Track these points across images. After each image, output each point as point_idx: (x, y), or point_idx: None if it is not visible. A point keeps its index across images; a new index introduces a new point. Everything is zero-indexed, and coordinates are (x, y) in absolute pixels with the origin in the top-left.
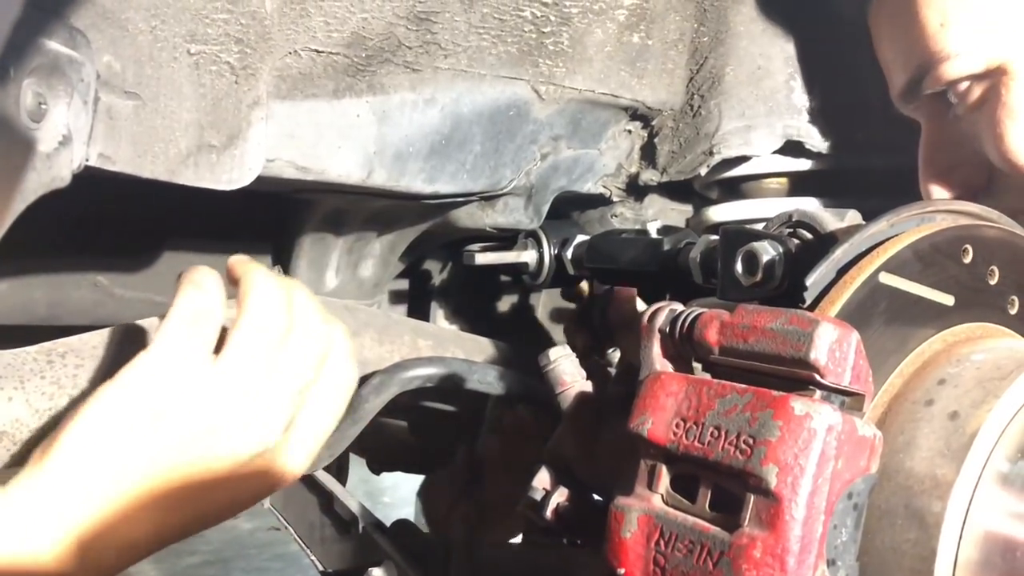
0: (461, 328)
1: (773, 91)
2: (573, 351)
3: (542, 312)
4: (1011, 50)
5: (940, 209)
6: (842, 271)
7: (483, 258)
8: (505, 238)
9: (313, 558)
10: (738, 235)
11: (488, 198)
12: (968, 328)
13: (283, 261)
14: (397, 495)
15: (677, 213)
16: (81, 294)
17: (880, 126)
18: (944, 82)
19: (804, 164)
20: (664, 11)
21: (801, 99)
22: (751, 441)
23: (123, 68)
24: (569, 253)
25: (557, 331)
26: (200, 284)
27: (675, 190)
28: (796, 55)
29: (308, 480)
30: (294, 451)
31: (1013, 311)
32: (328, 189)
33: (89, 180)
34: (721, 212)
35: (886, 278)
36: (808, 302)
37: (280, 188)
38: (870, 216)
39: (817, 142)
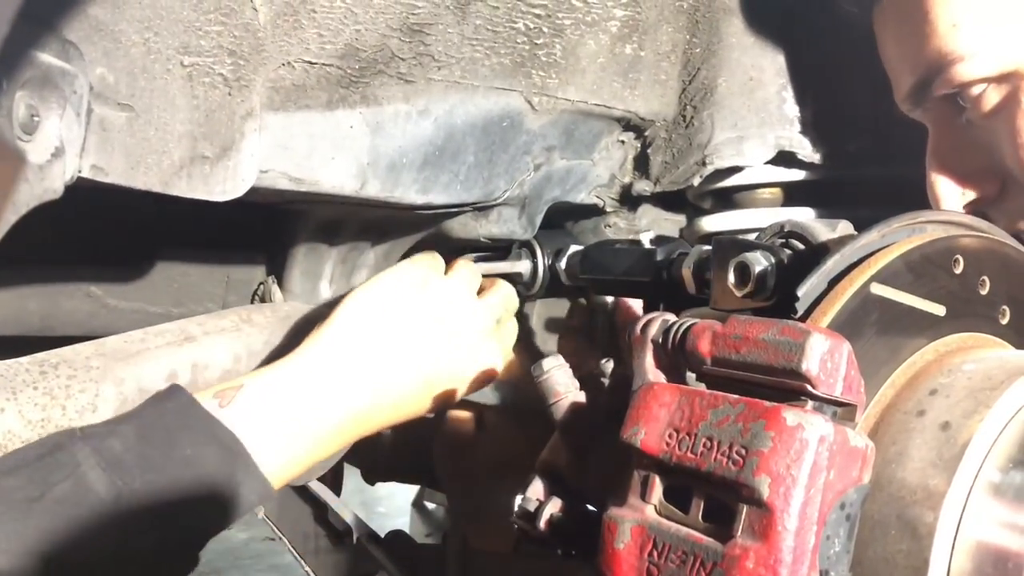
0: None
1: (765, 102)
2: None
3: (536, 321)
4: None
5: (931, 220)
6: (834, 282)
7: (477, 268)
8: (499, 248)
9: (308, 569)
10: (730, 245)
11: (482, 208)
12: (959, 338)
13: (277, 271)
14: (393, 505)
15: (671, 223)
16: (74, 305)
17: (872, 137)
18: (956, 84)
19: (797, 174)
20: (656, 22)
21: (793, 110)
22: (743, 452)
23: (116, 80)
24: (563, 263)
25: (551, 340)
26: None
27: (668, 200)
28: (788, 66)
29: (303, 491)
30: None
31: (1004, 321)
32: (322, 200)
33: (83, 191)
34: (714, 222)
35: (877, 289)
36: (800, 313)
37: (274, 199)
38: (862, 226)
39: (809, 152)
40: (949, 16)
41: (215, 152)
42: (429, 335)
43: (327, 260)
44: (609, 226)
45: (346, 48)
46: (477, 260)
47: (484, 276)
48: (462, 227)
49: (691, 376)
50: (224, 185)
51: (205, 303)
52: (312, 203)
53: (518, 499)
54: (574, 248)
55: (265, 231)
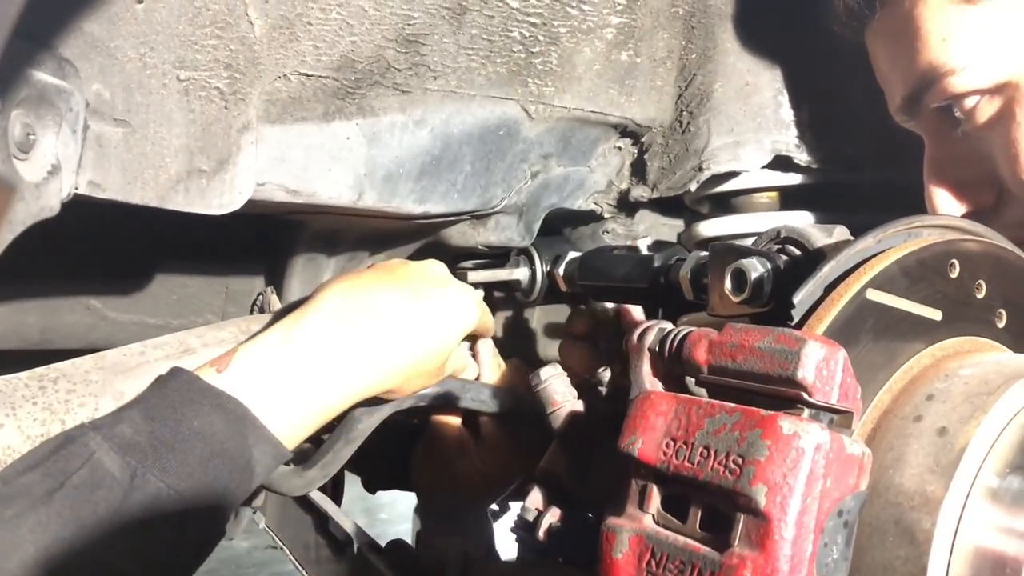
0: None
1: (761, 107)
2: (567, 370)
3: (536, 327)
4: (1021, 66)
5: (926, 224)
6: (829, 288)
7: (476, 276)
8: (497, 255)
9: None
10: (727, 252)
11: (479, 216)
12: (956, 342)
13: (276, 282)
14: (395, 512)
15: (668, 228)
16: (74, 318)
17: (869, 141)
18: (948, 95)
19: (793, 179)
20: (652, 29)
21: (789, 114)
22: (740, 461)
23: (112, 96)
24: (561, 270)
25: (552, 346)
26: None
27: (666, 205)
28: (783, 71)
29: (303, 500)
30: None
31: (1000, 324)
32: (319, 211)
33: (80, 205)
34: (712, 227)
35: (873, 294)
36: (796, 320)
37: (271, 211)
38: (859, 231)
39: (805, 157)
40: (939, 31)
41: (212, 166)
42: (407, 284)
43: (326, 270)
44: (607, 232)
45: (342, 60)
46: (476, 267)
47: (483, 284)
48: (460, 235)
49: (689, 382)
50: (221, 198)
51: (204, 314)
52: (310, 214)
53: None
54: (572, 255)
55: (264, 242)
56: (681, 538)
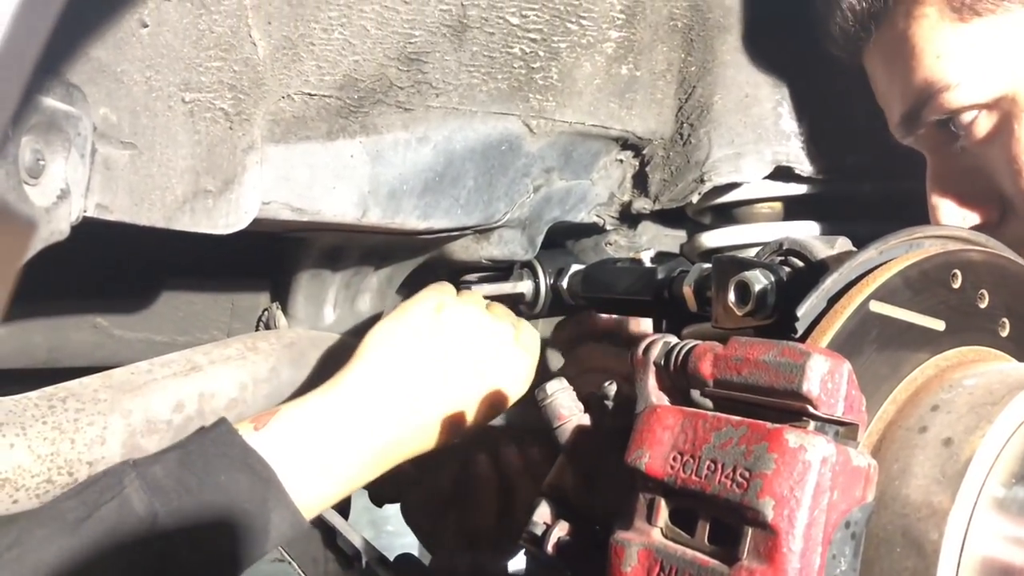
0: None
1: (761, 118)
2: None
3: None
4: (1017, 80)
5: (928, 235)
6: (833, 300)
7: (480, 290)
8: (501, 269)
9: None
10: (730, 264)
11: (483, 231)
12: (960, 352)
13: (281, 297)
14: (401, 523)
15: (671, 239)
16: (81, 336)
17: (869, 151)
18: (946, 110)
19: (795, 189)
20: (651, 42)
21: (789, 125)
22: (747, 474)
23: (119, 119)
24: (565, 283)
25: (557, 358)
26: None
27: (668, 217)
28: (783, 81)
29: None
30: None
31: (1004, 333)
32: (323, 228)
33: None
34: (714, 238)
35: (876, 306)
36: (800, 332)
37: (276, 229)
38: (861, 241)
39: (806, 167)
40: (933, 48)
41: (217, 186)
42: (453, 359)
43: (330, 285)
44: (610, 244)
45: (345, 79)
46: (480, 281)
47: (486, 297)
48: (464, 250)
49: (695, 394)
50: (227, 218)
51: (210, 331)
52: (314, 231)
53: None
54: (575, 267)
55: (268, 258)
56: (690, 551)
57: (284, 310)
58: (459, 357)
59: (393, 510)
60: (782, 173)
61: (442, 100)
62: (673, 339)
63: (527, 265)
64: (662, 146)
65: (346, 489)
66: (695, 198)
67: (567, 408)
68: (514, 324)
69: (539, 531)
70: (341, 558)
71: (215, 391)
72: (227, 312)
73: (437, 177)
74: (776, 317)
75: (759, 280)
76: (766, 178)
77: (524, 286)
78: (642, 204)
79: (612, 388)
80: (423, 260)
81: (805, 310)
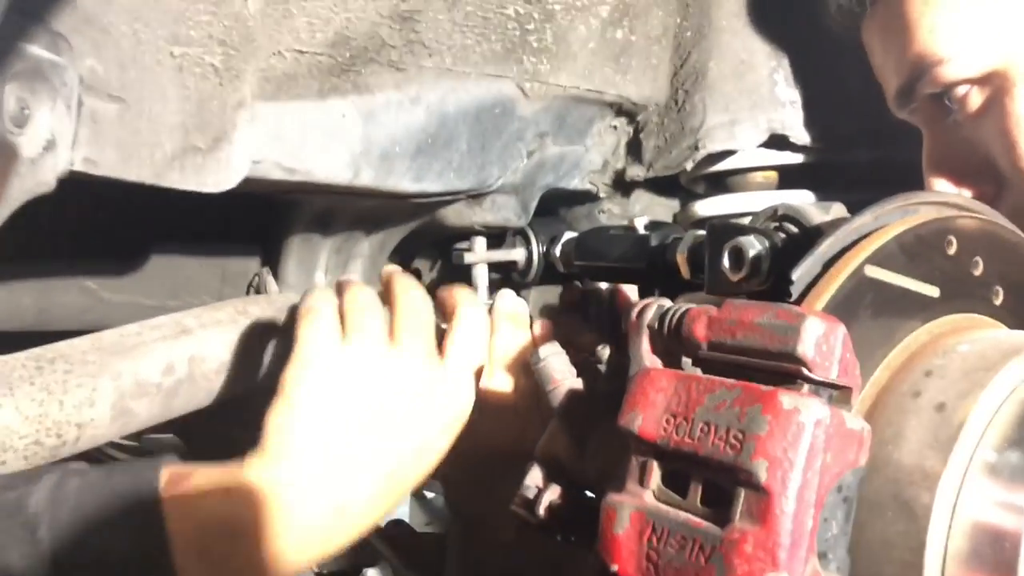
0: None
1: (757, 85)
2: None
3: (533, 308)
4: (1009, 55)
5: (924, 201)
6: (828, 264)
7: (472, 257)
8: (494, 236)
9: None
10: (724, 230)
11: (475, 196)
12: (954, 319)
13: (272, 262)
14: None
15: (664, 208)
16: (70, 299)
17: (865, 119)
18: (940, 84)
19: (789, 157)
20: (647, 6)
21: (785, 92)
22: (740, 436)
23: (106, 72)
24: (558, 250)
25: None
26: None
27: (662, 185)
28: (779, 48)
29: None
30: None
31: (997, 301)
32: (315, 190)
33: (75, 183)
34: (708, 206)
35: (872, 271)
36: (795, 296)
37: (266, 190)
38: (856, 209)
39: (801, 135)
40: (928, 21)
41: (207, 143)
42: (367, 437)
43: (322, 250)
44: (603, 212)
45: (336, 36)
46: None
47: (482, 264)
48: (456, 215)
49: (688, 361)
50: (217, 176)
51: (201, 295)
52: (305, 193)
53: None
54: (568, 235)
55: (259, 223)
56: (682, 514)
57: (275, 275)
58: (371, 434)
59: None
60: (777, 141)
61: (435, 60)
62: (667, 303)
63: (520, 232)
64: (656, 112)
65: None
66: (689, 166)
67: (560, 372)
68: (425, 337)
69: (531, 495)
70: None
71: (205, 355)
72: (218, 277)
73: (430, 139)
74: (771, 283)
75: (753, 245)
76: (761, 146)
77: (517, 253)
78: (636, 171)
79: (605, 352)
80: (415, 226)
81: (800, 274)
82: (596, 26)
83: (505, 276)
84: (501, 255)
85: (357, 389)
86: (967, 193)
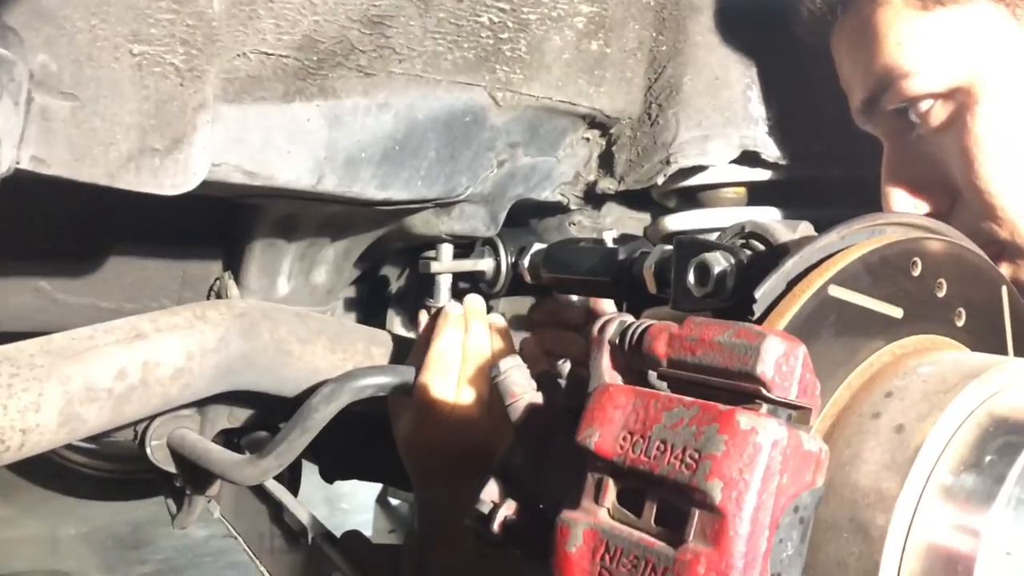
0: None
1: (730, 101)
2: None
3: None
4: (974, 72)
5: (891, 222)
6: (792, 283)
7: (439, 267)
8: (462, 245)
9: (263, 569)
10: (691, 245)
11: (444, 205)
12: (916, 340)
13: (233, 267)
14: (356, 501)
15: (635, 221)
16: (22, 300)
17: (837, 137)
18: (904, 98)
19: (761, 174)
20: (623, 19)
21: (758, 110)
22: (696, 455)
23: (60, 68)
24: (526, 261)
25: (516, 338)
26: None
27: (633, 198)
28: (754, 65)
29: (259, 490)
30: None
31: (960, 323)
32: (277, 194)
33: (30, 182)
34: (678, 221)
35: (835, 291)
36: (757, 314)
37: (227, 193)
38: (825, 227)
39: (774, 152)
40: (895, 35)
41: (165, 144)
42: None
43: (285, 256)
44: (573, 224)
45: (304, 39)
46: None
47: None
48: (424, 224)
49: (653, 376)
50: (175, 179)
51: (160, 299)
52: (267, 198)
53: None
54: (537, 246)
55: (221, 226)
56: (636, 533)
57: (236, 280)
58: None
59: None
60: (748, 158)
61: (405, 66)
62: (629, 318)
63: (489, 242)
64: (630, 126)
65: None
66: (660, 180)
67: (519, 386)
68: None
69: (486, 510)
70: (287, 533)
71: (160, 360)
72: (177, 280)
73: (397, 146)
74: (735, 300)
75: (719, 262)
76: (732, 162)
77: (485, 264)
78: (607, 184)
79: (566, 367)
80: (382, 233)
81: (763, 292)
82: (571, 37)
83: (473, 286)
84: (468, 265)
85: None
86: (922, 207)
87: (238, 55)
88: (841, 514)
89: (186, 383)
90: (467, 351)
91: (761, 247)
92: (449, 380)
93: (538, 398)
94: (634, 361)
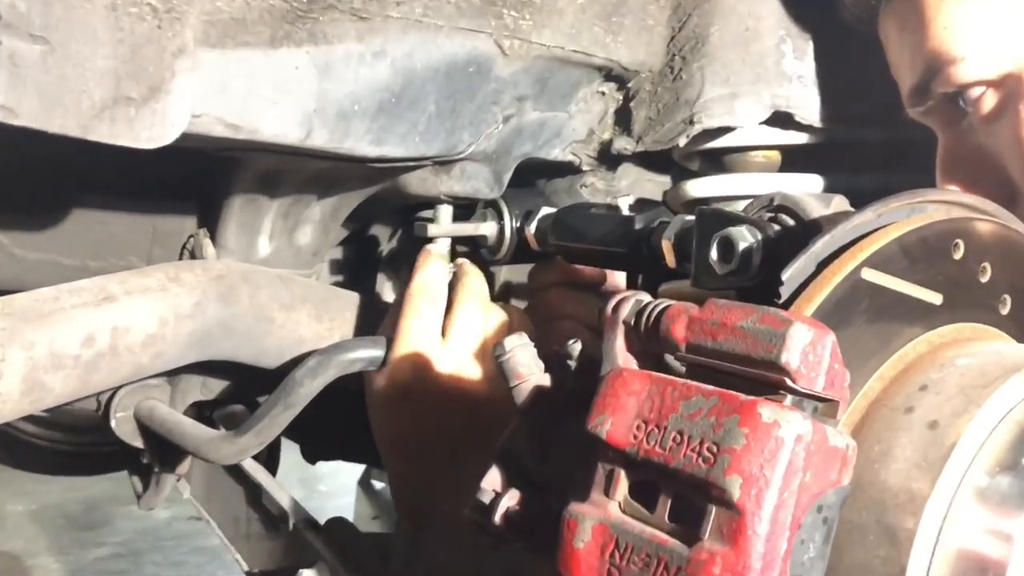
0: None
1: (762, 56)
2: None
3: (501, 288)
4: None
5: (933, 199)
6: (823, 264)
7: (437, 229)
8: (462, 207)
9: (237, 556)
10: (714, 218)
11: (443, 163)
12: (956, 329)
13: (210, 223)
14: (336, 483)
15: (653, 185)
16: None
17: (877, 98)
18: (954, 84)
19: (795, 137)
20: None
21: (793, 66)
22: (715, 449)
23: (28, 9)
24: (533, 227)
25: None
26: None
27: (652, 160)
28: (789, 16)
29: (234, 469)
30: None
31: (1005, 311)
32: (261, 149)
33: None
34: (701, 187)
35: (869, 274)
36: (784, 298)
37: (207, 146)
38: (863, 196)
39: (808, 114)
40: (942, 19)
41: (141, 93)
42: None
43: (266, 213)
44: (585, 186)
45: None
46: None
47: (447, 238)
48: (421, 183)
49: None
50: (151, 130)
51: (127, 256)
52: (251, 151)
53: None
54: (545, 211)
55: (198, 178)
56: (648, 529)
57: (213, 238)
58: None
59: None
60: (781, 119)
61: (403, 10)
62: (646, 297)
63: (492, 205)
64: (650, 80)
65: None
66: (682, 141)
67: (525, 366)
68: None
69: (487, 499)
70: (266, 518)
71: (131, 325)
72: (147, 236)
73: (394, 98)
74: (760, 279)
75: (744, 237)
76: (763, 123)
77: (487, 228)
78: (623, 144)
79: (576, 347)
80: (374, 191)
81: (791, 273)
82: None
83: (472, 251)
84: (469, 229)
85: None
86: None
87: None
88: (868, 515)
89: (158, 351)
90: (463, 292)
91: (791, 222)
92: (434, 315)
93: (546, 380)
94: (650, 344)
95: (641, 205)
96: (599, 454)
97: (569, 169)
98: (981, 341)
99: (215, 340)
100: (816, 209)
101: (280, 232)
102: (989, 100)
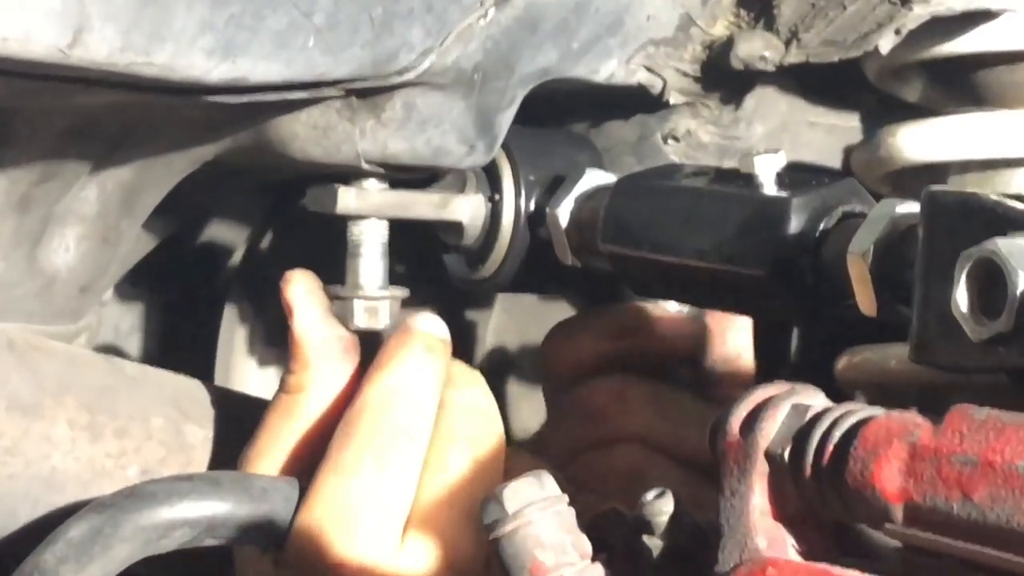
0: None
1: None
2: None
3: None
4: None
5: None
6: None
7: (357, 201)
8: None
9: None
10: (965, 216)
11: (366, 94)
12: None
13: None
14: None
15: (824, 133)
16: None
17: None
18: None
19: None
20: None
21: None
22: None
23: None
24: (563, 212)
25: (532, 401)
26: None
27: (818, 82)
28: None
29: None
30: None
31: None
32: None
33: None
34: (931, 139)
35: None
36: None
37: None
38: None
39: None
40: None
41: None
42: None
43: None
44: (675, 138)
45: None
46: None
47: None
48: (317, 137)
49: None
50: None
51: None
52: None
53: None
54: (590, 182)
55: None
56: None
57: None
58: None
59: None
60: None
61: None
62: (813, 401)
63: (476, 175)
64: None
65: None
66: (886, 42)
67: (553, 547)
68: None
69: None
70: None
71: None
72: None
73: None
74: None
75: None
76: None
77: (464, 207)
78: (758, 48)
79: (667, 504)
80: (216, 156)
81: None
82: None
83: (430, 264)
84: (427, 210)
85: None
86: None
87: None
88: None
89: None
90: (447, 428)
91: None
92: (400, 481)
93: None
94: (826, 502)
95: (798, 176)
96: None
97: (639, 102)
98: None
99: None
100: None
101: (9, 243)
102: None
